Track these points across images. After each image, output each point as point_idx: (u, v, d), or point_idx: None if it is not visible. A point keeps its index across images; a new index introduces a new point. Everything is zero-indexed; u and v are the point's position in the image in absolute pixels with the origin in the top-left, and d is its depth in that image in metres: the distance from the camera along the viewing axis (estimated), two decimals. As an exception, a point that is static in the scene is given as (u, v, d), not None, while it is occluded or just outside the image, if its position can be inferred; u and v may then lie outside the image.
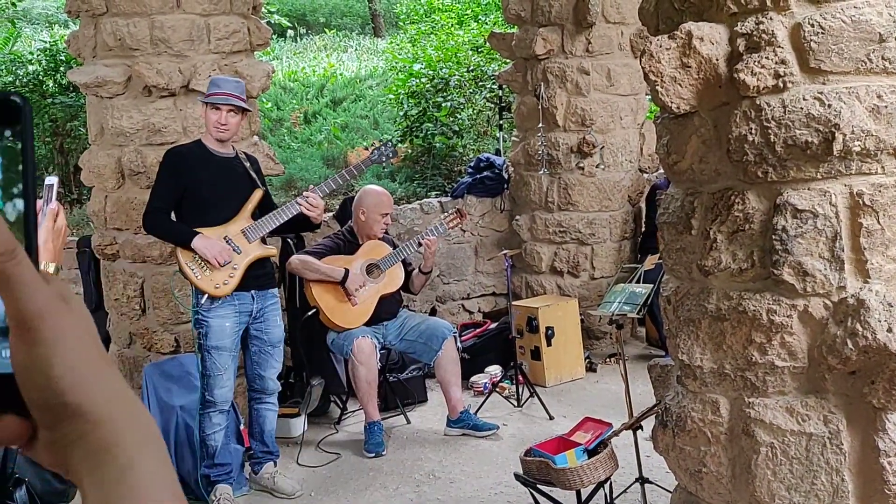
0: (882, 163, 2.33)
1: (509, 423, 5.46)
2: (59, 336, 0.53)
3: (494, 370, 6.17)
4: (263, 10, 14.63)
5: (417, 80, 9.77)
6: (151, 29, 5.09)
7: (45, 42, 10.22)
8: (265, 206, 4.46)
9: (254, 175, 4.44)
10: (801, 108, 2.35)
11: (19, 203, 0.57)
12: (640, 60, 2.53)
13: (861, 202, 2.33)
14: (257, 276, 4.37)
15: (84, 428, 0.52)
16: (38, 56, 9.52)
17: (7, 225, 0.55)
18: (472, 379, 6.11)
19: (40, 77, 9.09)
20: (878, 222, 2.33)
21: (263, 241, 4.45)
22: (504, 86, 7.50)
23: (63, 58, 9.04)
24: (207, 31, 5.21)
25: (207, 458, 4.36)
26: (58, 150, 8.96)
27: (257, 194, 4.41)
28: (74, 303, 0.56)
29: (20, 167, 0.57)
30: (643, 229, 7.07)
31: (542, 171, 6.71)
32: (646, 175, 7.10)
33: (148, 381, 4.70)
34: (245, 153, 4.59)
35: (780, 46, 2.38)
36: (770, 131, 2.40)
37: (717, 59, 2.49)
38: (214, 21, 5.23)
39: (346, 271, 5.22)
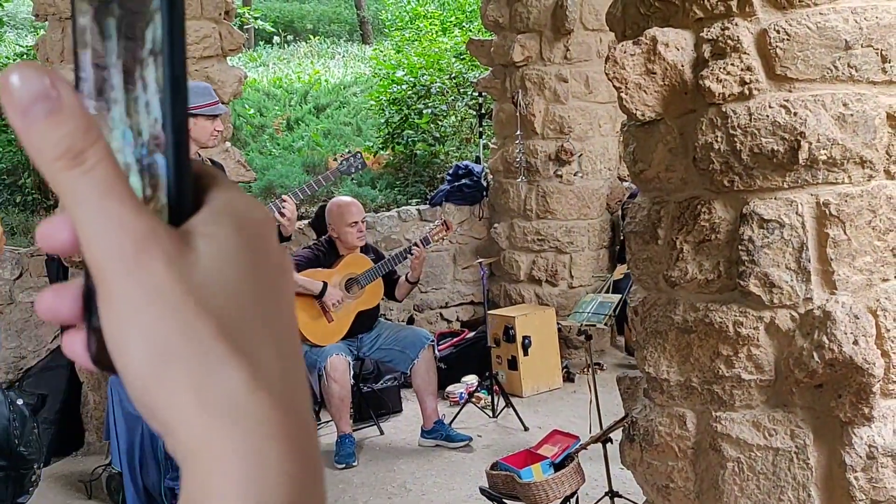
0: (848, 172, 2.28)
1: (484, 434, 5.39)
2: (134, 302, 0.33)
3: (470, 380, 6.09)
4: (247, 15, 14.43)
5: (399, 87, 9.72)
6: (121, 33, 5.01)
7: (24, 47, 10.13)
8: None
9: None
10: (767, 116, 2.30)
11: (150, 86, 0.36)
12: (605, 67, 2.48)
13: (827, 212, 2.28)
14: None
15: (180, 453, 0.34)
16: (16, 61, 9.42)
17: (83, 112, 0.34)
18: (448, 389, 6.03)
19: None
20: (845, 233, 2.28)
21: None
22: (484, 93, 7.45)
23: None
24: (178, 36, 5.12)
25: (172, 471, 4.27)
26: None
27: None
28: (201, 245, 0.34)
29: (155, 28, 0.35)
30: (621, 237, 7.03)
31: (520, 179, 6.65)
32: (625, 183, 7.05)
33: (113, 392, 4.60)
34: (211, 159, 4.52)
35: (745, 53, 2.33)
36: (736, 139, 2.35)
37: (682, 66, 2.44)
38: (185, 25, 5.14)
39: (325, 285, 5.12)
